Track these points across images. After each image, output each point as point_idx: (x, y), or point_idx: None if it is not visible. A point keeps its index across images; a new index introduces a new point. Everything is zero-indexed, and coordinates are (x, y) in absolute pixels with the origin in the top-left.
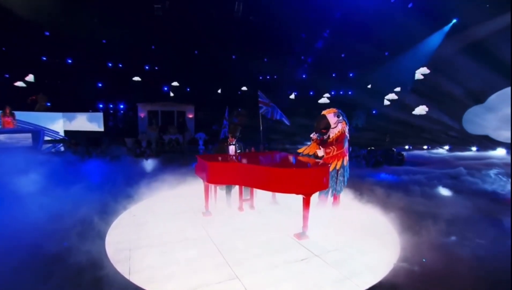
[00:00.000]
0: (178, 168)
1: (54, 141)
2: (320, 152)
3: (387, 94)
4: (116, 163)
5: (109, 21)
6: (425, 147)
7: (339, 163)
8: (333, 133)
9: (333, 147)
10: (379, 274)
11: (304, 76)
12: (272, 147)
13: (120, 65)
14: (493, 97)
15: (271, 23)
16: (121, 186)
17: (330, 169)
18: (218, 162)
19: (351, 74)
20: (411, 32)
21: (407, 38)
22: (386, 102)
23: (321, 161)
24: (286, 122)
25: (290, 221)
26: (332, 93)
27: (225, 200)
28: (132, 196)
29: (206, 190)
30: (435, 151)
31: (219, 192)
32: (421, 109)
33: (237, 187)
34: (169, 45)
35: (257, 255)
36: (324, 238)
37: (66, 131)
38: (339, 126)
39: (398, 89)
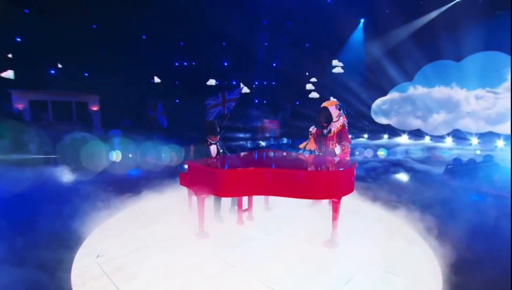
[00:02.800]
0: (104, 174)
1: None
2: (337, 150)
3: (306, 85)
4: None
5: None
6: (349, 136)
7: (348, 159)
8: (334, 127)
9: (344, 142)
10: (439, 273)
11: (225, 64)
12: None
13: None
14: (393, 90)
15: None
16: (42, 211)
17: None
18: (233, 169)
19: (274, 64)
20: (330, 26)
21: (326, 31)
22: (315, 95)
23: (338, 159)
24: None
25: (298, 227)
26: (256, 83)
27: (214, 213)
28: (72, 225)
29: (201, 205)
30: (357, 140)
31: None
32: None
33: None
34: (53, 12)
35: (311, 278)
36: (353, 243)
37: None
38: (341, 120)
39: (314, 80)
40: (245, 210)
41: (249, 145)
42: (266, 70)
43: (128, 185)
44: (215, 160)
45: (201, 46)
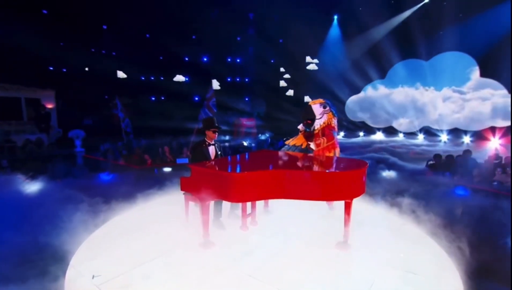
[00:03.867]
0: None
1: None
2: (312, 145)
3: (280, 82)
4: None
5: None
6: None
7: (331, 155)
8: (318, 124)
9: (323, 138)
10: (455, 268)
11: (195, 59)
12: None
13: None
14: (366, 88)
15: None
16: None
17: None
18: (248, 171)
19: (246, 60)
20: (304, 22)
21: (301, 27)
22: (290, 92)
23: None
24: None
25: (304, 230)
26: (228, 79)
27: (214, 219)
28: (50, 242)
29: (206, 212)
30: None
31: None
32: (308, 99)
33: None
34: None
35: (334, 284)
36: (364, 244)
37: None
38: (325, 117)
39: (288, 76)
40: (249, 214)
41: (227, 144)
42: (239, 66)
43: (103, 192)
44: (214, 162)
45: (168, 39)
